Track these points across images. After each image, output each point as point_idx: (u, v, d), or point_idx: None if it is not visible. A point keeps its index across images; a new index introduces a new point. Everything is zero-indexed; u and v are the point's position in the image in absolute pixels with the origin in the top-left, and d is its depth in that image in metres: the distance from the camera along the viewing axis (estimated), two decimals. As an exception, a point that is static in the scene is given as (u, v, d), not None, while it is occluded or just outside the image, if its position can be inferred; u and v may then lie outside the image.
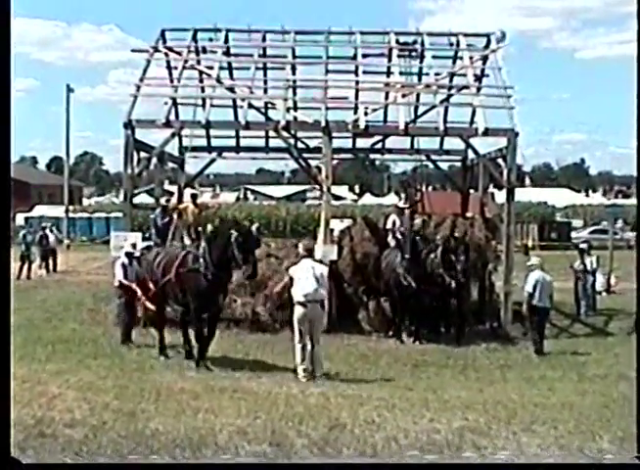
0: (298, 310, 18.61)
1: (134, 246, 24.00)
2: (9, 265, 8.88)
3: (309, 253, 20.01)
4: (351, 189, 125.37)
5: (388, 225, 27.01)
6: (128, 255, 23.34)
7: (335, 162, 29.64)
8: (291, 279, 19.02)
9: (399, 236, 26.04)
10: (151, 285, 21.26)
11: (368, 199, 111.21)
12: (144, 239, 26.86)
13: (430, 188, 42.06)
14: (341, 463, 9.74)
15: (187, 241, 30.44)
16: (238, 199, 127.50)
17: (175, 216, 30.61)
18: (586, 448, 11.89)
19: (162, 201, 29.21)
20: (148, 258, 22.30)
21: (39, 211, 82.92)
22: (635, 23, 9.81)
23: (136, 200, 29.36)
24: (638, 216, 20.22)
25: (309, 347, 18.58)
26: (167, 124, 26.65)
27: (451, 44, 30.50)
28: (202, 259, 19.47)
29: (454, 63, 30.52)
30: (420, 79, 30.79)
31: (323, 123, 26.34)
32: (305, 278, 18.62)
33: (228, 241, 18.81)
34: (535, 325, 23.23)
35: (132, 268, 23.04)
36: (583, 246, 34.69)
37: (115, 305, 24.29)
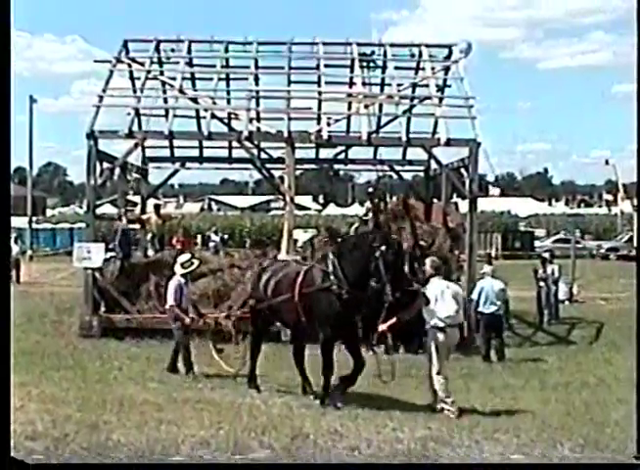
0: (439, 336, 15.92)
1: (186, 264, 20.59)
2: (9, 267, 8.86)
3: (437, 271, 16.85)
4: (315, 199, 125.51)
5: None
6: (184, 275, 20.35)
7: (298, 172, 29.71)
8: (426, 300, 15.96)
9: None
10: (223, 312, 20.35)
11: (332, 209, 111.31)
12: (107, 250, 26.80)
13: (394, 198, 42.08)
14: (341, 463, 9.74)
15: (150, 251, 30.56)
16: (202, 209, 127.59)
17: (138, 227, 30.69)
18: (548, 456, 12.00)
19: (123, 211, 29.28)
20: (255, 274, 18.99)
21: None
22: (635, 23, 9.75)
23: (100, 210, 29.21)
24: (638, 218, 19.93)
25: (439, 376, 15.89)
26: (130, 135, 26.54)
27: (413, 55, 30.55)
28: (332, 276, 16.00)
29: (416, 73, 30.66)
30: (382, 90, 30.93)
31: (286, 134, 26.41)
32: (442, 300, 16.05)
33: (371, 255, 15.39)
34: (482, 331, 23.49)
35: (187, 290, 20.40)
36: (545, 255, 34.95)
37: (175, 330, 20.23)
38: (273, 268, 18.09)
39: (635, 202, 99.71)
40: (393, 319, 15.88)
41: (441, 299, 16.09)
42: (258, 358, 18.53)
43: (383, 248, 15.28)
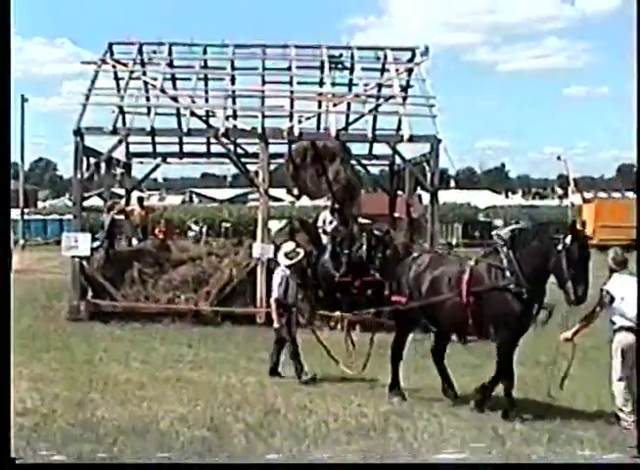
0: (625, 338, 13.09)
1: (291, 255, 17.87)
2: (9, 264, 8.78)
3: (622, 265, 13.57)
4: (289, 191, 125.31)
5: (319, 223, 27.33)
6: (289, 266, 17.62)
7: (273, 166, 29.73)
8: (610, 298, 13.09)
9: (328, 231, 26.41)
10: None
11: (305, 201, 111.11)
12: (94, 239, 26.73)
13: (362, 190, 42.14)
14: (341, 463, 9.72)
15: (134, 241, 30.53)
16: (183, 201, 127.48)
17: (122, 218, 30.64)
18: (500, 429, 12.06)
19: (109, 204, 29.30)
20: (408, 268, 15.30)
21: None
22: (635, 23, 9.61)
23: (88, 202, 29.19)
24: (638, 216, 19.87)
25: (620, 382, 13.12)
26: (115, 132, 26.45)
27: (379, 58, 30.57)
28: (509, 273, 13.47)
29: (382, 75, 30.62)
30: (350, 90, 30.90)
31: (260, 130, 26.35)
32: (630, 297, 13.00)
33: (552, 250, 12.95)
34: None
35: (293, 282, 17.56)
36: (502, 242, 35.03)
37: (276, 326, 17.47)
38: (426, 262, 14.99)
39: (585, 195, 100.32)
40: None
41: (630, 296, 13.05)
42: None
43: (567, 240, 12.78)
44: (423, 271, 14.65)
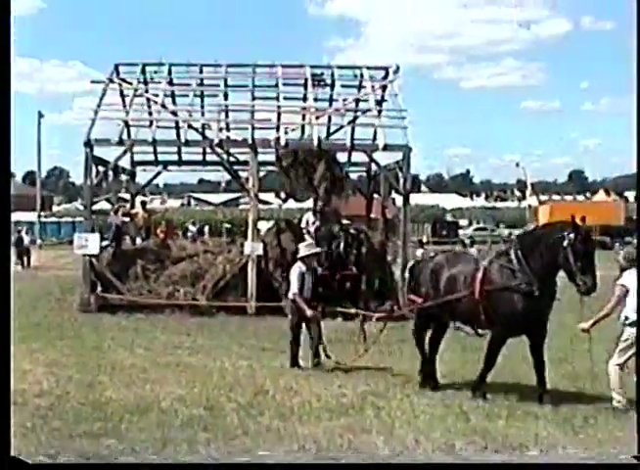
0: (628, 332, 12.42)
1: (308, 248, 17.28)
2: (9, 264, 8.73)
3: (632, 263, 12.86)
4: (277, 195, 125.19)
5: (303, 224, 27.34)
6: (305, 262, 16.67)
7: (262, 173, 29.77)
8: (625, 292, 12.46)
9: (311, 231, 26.46)
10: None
11: (291, 203, 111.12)
12: (102, 239, 26.74)
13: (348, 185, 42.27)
14: (340, 463, 9.69)
15: (138, 240, 30.55)
16: (182, 205, 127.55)
17: (128, 220, 30.64)
18: (465, 406, 12.08)
19: (116, 207, 29.41)
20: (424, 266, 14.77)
21: (16, 216, 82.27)
22: (635, 24, 9.54)
23: (98, 206, 29.31)
24: (638, 215, 19.77)
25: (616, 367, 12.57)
26: (120, 143, 26.46)
27: (356, 75, 30.62)
28: (518, 272, 12.93)
29: (359, 91, 30.63)
30: (331, 104, 30.90)
31: (250, 141, 26.43)
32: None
33: (559, 245, 12.52)
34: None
35: (309, 278, 16.56)
36: (466, 240, 35.28)
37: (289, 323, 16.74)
38: (443, 261, 14.36)
39: (541, 198, 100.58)
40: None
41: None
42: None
43: (571, 236, 12.34)
44: (440, 269, 14.06)
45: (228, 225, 68.17)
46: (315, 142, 26.25)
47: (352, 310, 18.52)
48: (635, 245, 25.92)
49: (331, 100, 31.36)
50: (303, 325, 16.29)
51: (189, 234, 51.40)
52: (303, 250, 16.95)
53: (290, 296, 16.47)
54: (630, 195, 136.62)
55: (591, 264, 12.39)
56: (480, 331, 13.75)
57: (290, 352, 16.18)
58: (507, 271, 13.09)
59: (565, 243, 12.40)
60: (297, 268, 16.49)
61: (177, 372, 14.92)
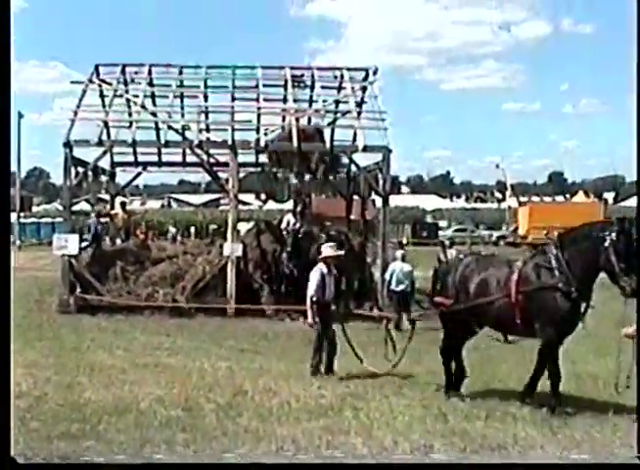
0: None
1: (332, 249, 16.32)
2: (9, 264, 8.68)
3: None
4: (257, 196, 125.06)
5: (283, 225, 27.41)
6: (326, 263, 15.91)
7: (242, 174, 29.81)
8: None
9: (291, 233, 26.53)
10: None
11: (271, 205, 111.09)
12: (82, 240, 26.72)
13: (323, 195, 42.32)
14: (341, 463, 9.68)
15: (117, 241, 30.51)
16: (162, 206, 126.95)
17: (107, 221, 30.61)
18: (444, 407, 12.11)
19: (95, 208, 29.37)
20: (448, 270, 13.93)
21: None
22: (635, 24, 9.42)
23: (78, 207, 29.26)
24: (638, 215, 19.69)
25: None
26: (100, 143, 26.45)
27: (336, 77, 30.73)
28: (557, 272, 12.19)
29: (339, 92, 30.72)
30: (311, 106, 30.98)
31: (230, 142, 26.53)
32: None
33: (600, 245, 11.79)
34: (394, 306, 23.53)
35: (329, 279, 15.76)
36: (446, 241, 35.40)
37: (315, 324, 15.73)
38: (473, 263, 13.52)
39: (520, 199, 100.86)
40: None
41: None
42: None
43: (613, 235, 11.66)
44: (470, 273, 13.27)
45: (214, 226, 68.26)
46: (295, 144, 26.24)
47: (374, 313, 17.95)
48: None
49: (311, 101, 31.42)
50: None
51: (169, 235, 51.38)
52: (327, 251, 16.12)
53: (307, 299, 15.64)
54: (609, 196, 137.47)
55: (635, 266, 11.50)
56: (509, 338, 13.16)
57: (311, 359, 15.46)
58: (544, 271, 12.41)
59: (607, 242, 11.69)
60: (319, 270, 15.70)
61: (156, 373, 14.89)
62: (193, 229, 63.27)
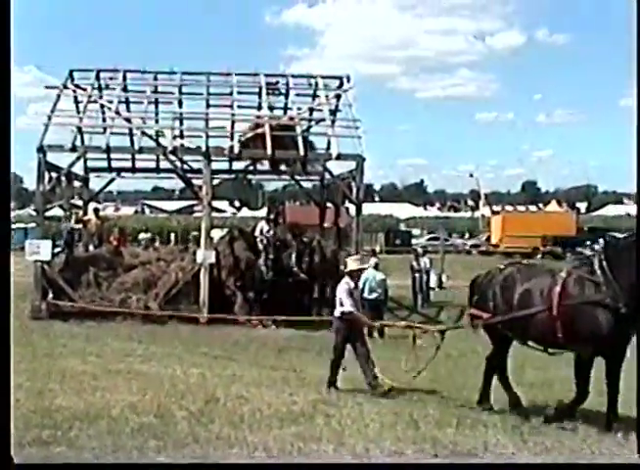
0: None
1: (358, 263, 15.61)
2: (9, 266, 8.65)
3: None
4: (231, 203, 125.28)
5: (256, 232, 27.43)
6: (352, 277, 15.14)
7: (216, 181, 29.82)
8: None
9: (264, 240, 26.55)
10: None
11: (245, 212, 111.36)
12: (54, 246, 26.65)
13: (297, 203, 42.48)
14: (341, 463, 9.68)
15: (90, 247, 30.42)
16: (136, 212, 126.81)
17: (80, 227, 30.52)
18: (415, 414, 12.16)
19: (68, 214, 29.30)
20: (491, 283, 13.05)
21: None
22: (635, 26, 9.40)
23: (51, 213, 29.19)
24: (638, 217, 19.61)
25: None
26: (74, 149, 26.51)
27: (311, 84, 30.86)
28: (603, 285, 11.34)
29: (313, 100, 30.85)
30: (285, 113, 30.98)
31: (204, 149, 26.60)
32: None
33: None
34: (367, 314, 23.64)
35: (357, 293, 15.35)
36: (419, 250, 35.65)
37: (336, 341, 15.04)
38: (515, 274, 12.80)
39: (494, 208, 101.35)
40: None
41: None
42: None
43: None
44: (512, 282, 12.60)
45: (195, 233, 68.22)
46: (269, 151, 26.27)
47: (402, 324, 17.05)
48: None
49: (285, 109, 31.43)
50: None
51: (142, 241, 51.22)
52: (352, 264, 15.29)
53: (337, 313, 14.87)
54: (582, 206, 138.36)
55: None
56: (550, 350, 12.56)
57: (330, 373, 14.83)
58: (589, 284, 11.62)
59: None
60: (345, 284, 14.88)
61: (128, 380, 14.84)
62: (173, 236, 63.02)
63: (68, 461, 9.58)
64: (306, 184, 37.91)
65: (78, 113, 29.03)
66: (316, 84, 30.39)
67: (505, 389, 13.06)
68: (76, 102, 29.98)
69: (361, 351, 14.62)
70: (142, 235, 55.28)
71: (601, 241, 34.88)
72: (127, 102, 31.44)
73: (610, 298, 11.18)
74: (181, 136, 30.56)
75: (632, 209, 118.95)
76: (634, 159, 9.98)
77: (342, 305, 14.69)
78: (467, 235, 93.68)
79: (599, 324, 11.29)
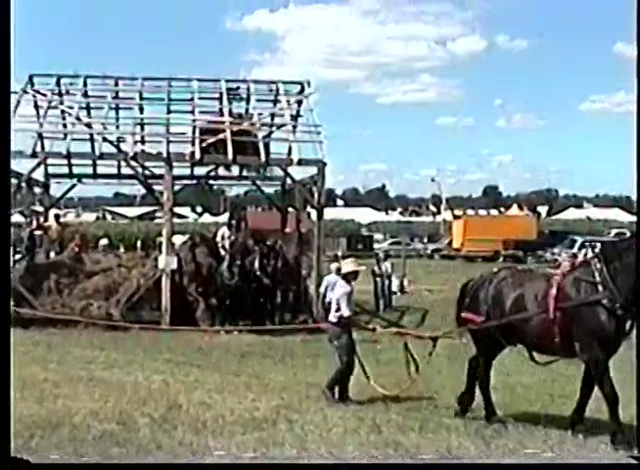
0: None
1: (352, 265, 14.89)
2: (8, 265, 8.58)
3: None
4: (193, 209, 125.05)
5: (218, 238, 27.43)
6: (349, 278, 14.73)
7: (178, 187, 29.76)
8: None
9: (226, 246, 26.55)
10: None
11: (207, 217, 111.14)
12: (15, 252, 26.45)
13: (258, 208, 42.49)
14: (341, 463, 9.67)
15: (51, 254, 30.20)
16: (97, 218, 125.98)
17: (41, 233, 30.30)
18: (378, 419, 12.20)
19: (29, 220, 29.11)
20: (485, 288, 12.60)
21: None
22: (635, 25, 9.34)
23: (12, 219, 28.86)
24: (638, 219, 19.25)
25: None
26: (34, 155, 26.32)
27: (272, 90, 30.86)
28: (601, 287, 11.27)
29: (274, 105, 30.86)
30: (245, 118, 31.00)
31: (165, 155, 26.51)
32: None
33: None
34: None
35: (351, 298, 14.74)
36: (381, 254, 35.75)
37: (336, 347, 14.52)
38: (508, 277, 12.55)
39: (455, 212, 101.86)
40: None
41: None
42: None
43: None
44: (505, 286, 12.34)
45: (161, 239, 68.03)
46: (230, 156, 26.26)
47: (393, 330, 17.03)
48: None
49: (246, 114, 31.41)
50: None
51: (102, 247, 50.97)
52: (347, 266, 14.88)
53: (333, 319, 14.50)
54: (543, 210, 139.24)
55: None
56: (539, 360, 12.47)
57: (340, 384, 14.27)
58: (586, 285, 11.52)
59: None
60: (342, 288, 14.49)
61: (90, 387, 14.80)
62: (140, 243, 62.61)
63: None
64: (268, 189, 38.06)
65: (39, 118, 28.85)
66: (277, 90, 30.39)
67: (484, 397, 12.76)
68: (36, 107, 29.79)
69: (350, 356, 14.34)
70: (102, 241, 55.15)
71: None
72: (88, 107, 31.26)
73: (607, 298, 11.14)
74: (142, 142, 30.39)
75: (592, 212, 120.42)
76: (634, 162, 10.08)
77: (338, 309, 14.30)
78: (425, 239, 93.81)
79: (602, 323, 11.20)
